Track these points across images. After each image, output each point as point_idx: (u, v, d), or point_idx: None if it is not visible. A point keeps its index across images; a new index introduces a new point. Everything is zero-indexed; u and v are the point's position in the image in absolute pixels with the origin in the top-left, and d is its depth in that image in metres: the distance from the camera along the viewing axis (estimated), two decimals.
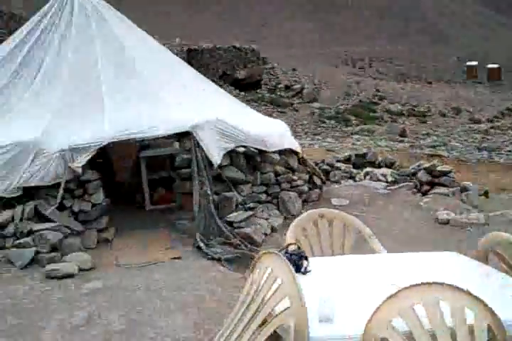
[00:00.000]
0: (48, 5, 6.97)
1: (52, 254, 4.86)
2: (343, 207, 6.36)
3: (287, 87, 26.88)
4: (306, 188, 6.98)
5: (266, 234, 5.70)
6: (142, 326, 3.66)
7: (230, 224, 5.52)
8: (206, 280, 4.49)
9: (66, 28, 6.63)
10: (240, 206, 5.84)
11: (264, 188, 6.44)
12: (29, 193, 5.34)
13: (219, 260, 4.89)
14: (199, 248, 5.16)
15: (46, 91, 6.09)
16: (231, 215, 5.63)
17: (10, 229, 5.08)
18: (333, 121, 23.15)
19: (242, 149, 6.06)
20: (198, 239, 5.20)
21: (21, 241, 4.94)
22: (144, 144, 6.94)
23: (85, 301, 4.05)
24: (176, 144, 6.44)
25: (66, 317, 3.79)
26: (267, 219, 6.00)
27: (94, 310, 3.88)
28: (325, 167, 8.63)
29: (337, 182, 8.29)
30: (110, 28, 6.85)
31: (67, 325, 3.68)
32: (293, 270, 2.20)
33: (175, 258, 5.03)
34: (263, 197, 6.36)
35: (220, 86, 9.88)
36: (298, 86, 27.31)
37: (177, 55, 11.16)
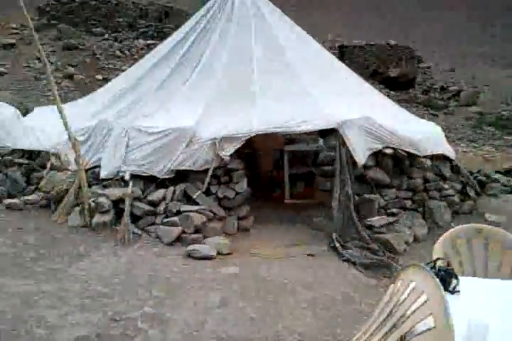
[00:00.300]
0: (210, 1, 7.38)
1: (196, 235, 5.16)
2: (499, 225, 5.71)
3: (443, 88, 25.10)
4: (457, 199, 6.44)
5: (407, 243, 5.37)
6: (271, 318, 3.68)
7: (370, 227, 5.30)
8: (339, 282, 4.38)
9: (226, 24, 6.96)
10: (381, 210, 5.58)
11: (410, 194, 6.08)
12: (180, 176, 5.71)
13: (354, 263, 4.74)
14: (334, 248, 5.06)
15: (203, 83, 6.46)
16: (372, 219, 5.40)
17: (161, 207, 5.51)
18: (492, 128, 21.06)
19: (390, 151, 5.77)
20: (334, 239, 5.10)
21: (170, 219, 5.33)
22: (289, 138, 7.02)
23: (220, 285, 4.21)
24: (321, 140, 6.38)
25: (201, 297, 3.97)
26: (410, 227, 5.65)
27: (228, 295, 4.02)
28: (481, 178, 7.83)
29: (494, 195, 7.46)
30: (268, 24, 7.03)
31: (202, 305, 3.86)
32: (441, 287, 1.99)
33: (309, 254, 5.00)
34: (408, 203, 6.01)
35: (371, 84, 9.52)
36: (455, 87, 25.33)
37: (329, 51, 11.05)
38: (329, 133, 5.82)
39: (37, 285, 4.09)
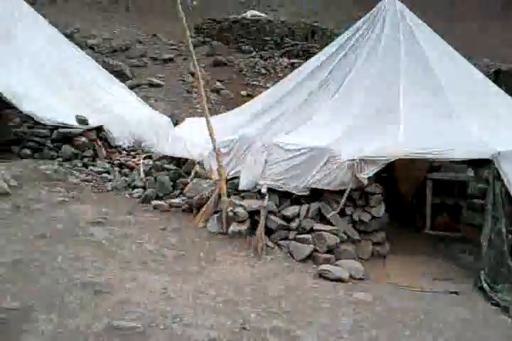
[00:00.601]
0: (359, 21, 7.36)
1: (328, 256, 5.10)
2: None
3: None
4: None
5: None
6: None
7: None
8: (485, 327, 3.98)
9: (374, 44, 6.87)
10: None
11: None
12: (316, 194, 5.70)
13: (505, 309, 4.26)
14: (481, 288, 4.62)
15: (346, 102, 6.43)
16: None
17: (294, 223, 5.54)
18: None
19: None
20: (482, 279, 4.65)
21: (303, 236, 5.34)
22: (434, 165, 6.66)
23: (351, 310, 4.08)
24: (470, 171, 5.93)
25: (332, 319, 3.88)
26: None
27: (360, 321, 3.87)
28: None
29: None
30: (418, 46, 6.81)
31: (333, 327, 3.75)
32: None
33: (452, 292, 4.64)
34: None
35: None
36: None
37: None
38: (481, 164, 5.37)
39: (175, 283, 4.34)
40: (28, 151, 8.55)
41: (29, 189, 6.67)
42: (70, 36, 14.31)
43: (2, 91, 8.54)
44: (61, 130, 8.72)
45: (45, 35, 10.84)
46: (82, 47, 13.33)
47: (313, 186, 5.62)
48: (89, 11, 22.62)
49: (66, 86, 9.97)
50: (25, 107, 8.72)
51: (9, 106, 8.65)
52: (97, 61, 12.58)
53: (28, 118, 8.72)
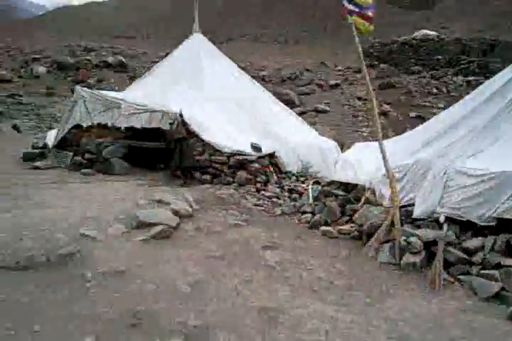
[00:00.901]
0: None
1: None
2: None
3: None
4: None
5: None
6: None
7: None
8: None
9: None
10: None
11: None
12: (502, 225, 5.11)
13: None
14: None
15: None
16: None
17: (478, 257, 5.02)
18: None
19: None
20: None
21: (488, 272, 4.80)
22: None
23: None
24: None
25: None
26: None
27: None
28: None
29: None
30: None
31: None
32: None
33: None
34: None
35: None
36: None
37: None
38: None
39: (346, 314, 4.22)
40: (207, 177, 9.34)
41: (208, 212, 7.22)
42: (244, 69, 15.45)
43: (189, 122, 9.50)
44: (237, 157, 9.35)
45: (226, 70, 11.93)
46: (255, 78, 14.26)
47: (502, 216, 5.05)
48: (260, 46, 24.26)
49: (242, 115, 10.72)
50: (207, 136, 9.58)
51: (194, 135, 9.59)
52: (268, 90, 13.33)
53: (208, 147, 9.56)
